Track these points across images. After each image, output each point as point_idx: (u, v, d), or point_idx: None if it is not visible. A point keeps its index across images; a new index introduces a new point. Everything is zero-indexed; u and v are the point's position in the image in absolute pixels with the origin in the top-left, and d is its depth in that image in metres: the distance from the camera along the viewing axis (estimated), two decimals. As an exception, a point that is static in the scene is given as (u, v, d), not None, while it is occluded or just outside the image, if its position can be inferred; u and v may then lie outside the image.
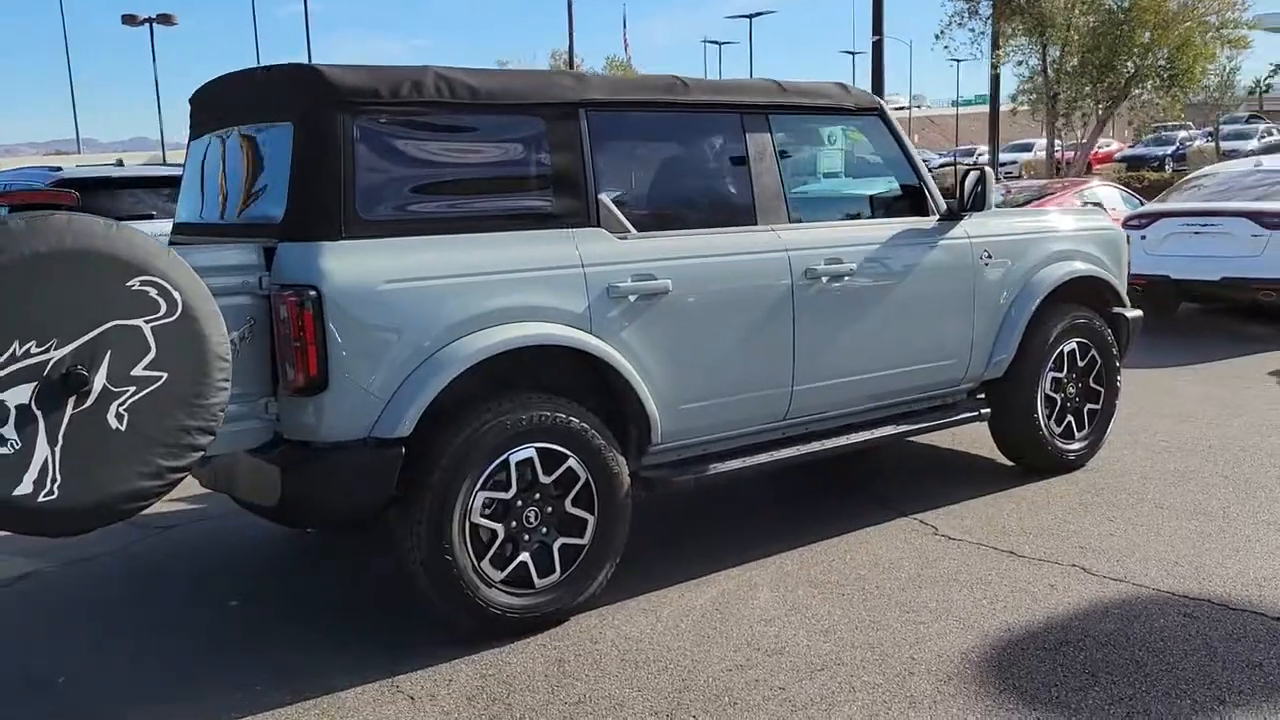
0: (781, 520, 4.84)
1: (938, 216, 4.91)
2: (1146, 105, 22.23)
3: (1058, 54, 21.35)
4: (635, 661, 3.53)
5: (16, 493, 2.78)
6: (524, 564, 3.72)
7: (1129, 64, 20.70)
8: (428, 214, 3.66)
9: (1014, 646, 3.53)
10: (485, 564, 3.65)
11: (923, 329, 4.84)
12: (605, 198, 3.97)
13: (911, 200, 4.92)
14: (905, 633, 3.66)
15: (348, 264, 3.42)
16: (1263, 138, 36.18)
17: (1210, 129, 30.25)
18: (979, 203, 4.89)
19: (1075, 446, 5.48)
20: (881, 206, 4.94)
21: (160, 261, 3.00)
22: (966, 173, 4.97)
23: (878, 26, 21.75)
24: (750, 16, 63.37)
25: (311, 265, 3.38)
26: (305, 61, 3.59)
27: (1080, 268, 5.37)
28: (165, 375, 2.98)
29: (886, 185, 4.96)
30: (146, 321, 2.95)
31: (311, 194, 3.46)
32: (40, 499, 2.82)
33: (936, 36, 22.98)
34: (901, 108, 67.39)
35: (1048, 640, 3.56)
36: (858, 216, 4.89)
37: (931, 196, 4.93)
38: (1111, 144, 37.35)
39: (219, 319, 3.10)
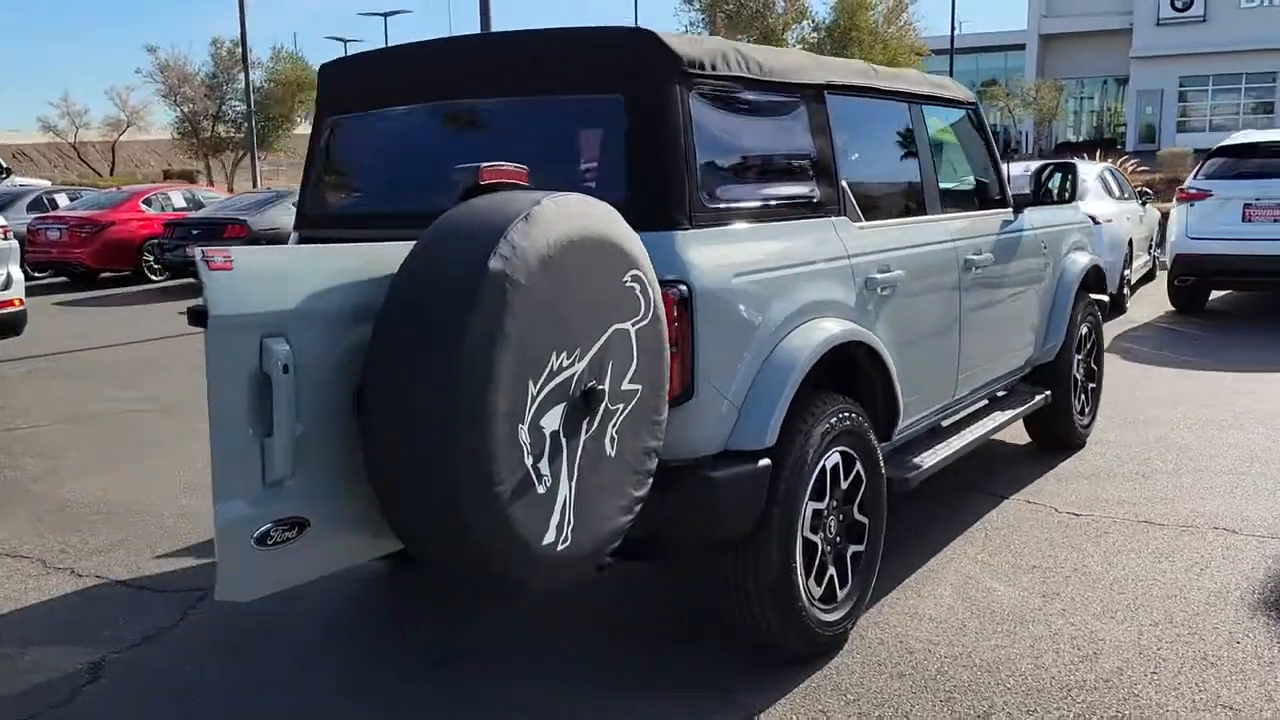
0: (902, 510, 4.81)
1: (1012, 208, 5.11)
2: None
3: None
4: (977, 666, 3.38)
5: (545, 541, 2.20)
6: (831, 577, 3.46)
7: None
8: (740, 200, 3.30)
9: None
10: (811, 581, 3.35)
11: (1018, 315, 5.02)
12: (846, 184, 3.77)
13: (997, 192, 5.07)
14: (1174, 610, 3.76)
15: (707, 255, 3.01)
16: None
17: None
18: (1053, 196, 5.15)
19: (1086, 422, 5.91)
20: (982, 197, 5.04)
21: (639, 251, 2.48)
22: (1043, 167, 5.21)
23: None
24: (385, 15, 61.60)
25: (676, 257, 2.93)
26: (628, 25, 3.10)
27: (1090, 257, 5.79)
28: (640, 389, 2.47)
29: (982, 176, 5.07)
30: (633, 325, 2.43)
31: (661, 176, 3.00)
32: (559, 548, 2.24)
33: None
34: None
35: (1301, 598, 3.83)
36: (970, 207, 4.97)
37: (1005, 189, 5.11)
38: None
39: (664, 320, 2.62)
